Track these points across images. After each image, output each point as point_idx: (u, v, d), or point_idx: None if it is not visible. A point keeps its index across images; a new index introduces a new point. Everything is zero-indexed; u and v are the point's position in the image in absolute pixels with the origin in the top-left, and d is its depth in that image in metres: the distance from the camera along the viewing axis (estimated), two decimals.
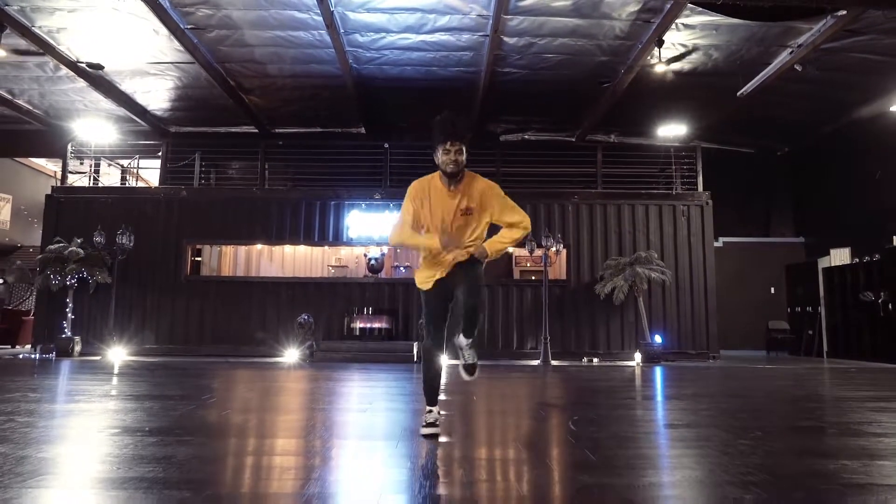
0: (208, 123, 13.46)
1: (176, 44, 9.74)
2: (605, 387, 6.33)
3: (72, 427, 3.60)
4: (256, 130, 13.44)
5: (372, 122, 13.09)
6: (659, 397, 5.73)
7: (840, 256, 11.75)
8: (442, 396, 4.98)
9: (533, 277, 12.97)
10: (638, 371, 8.66)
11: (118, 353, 9.91)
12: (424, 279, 3.41)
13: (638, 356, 9.76)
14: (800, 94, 10.91)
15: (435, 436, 3.30)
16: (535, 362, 9.83)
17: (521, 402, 5.16)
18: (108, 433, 3.33)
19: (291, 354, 9.66)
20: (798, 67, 8.87)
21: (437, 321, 3.41)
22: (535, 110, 12.52)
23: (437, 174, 3.42)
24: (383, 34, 9.48)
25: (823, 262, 12.17)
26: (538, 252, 9.90)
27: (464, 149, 3.30)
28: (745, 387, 6.61)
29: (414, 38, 9.60)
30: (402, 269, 12.55)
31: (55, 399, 4.93)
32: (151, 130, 13.23)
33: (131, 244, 10.07)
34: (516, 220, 3.40)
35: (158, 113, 12.92)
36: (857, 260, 11.21)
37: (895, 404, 5.01)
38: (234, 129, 13.66)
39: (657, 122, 12.11)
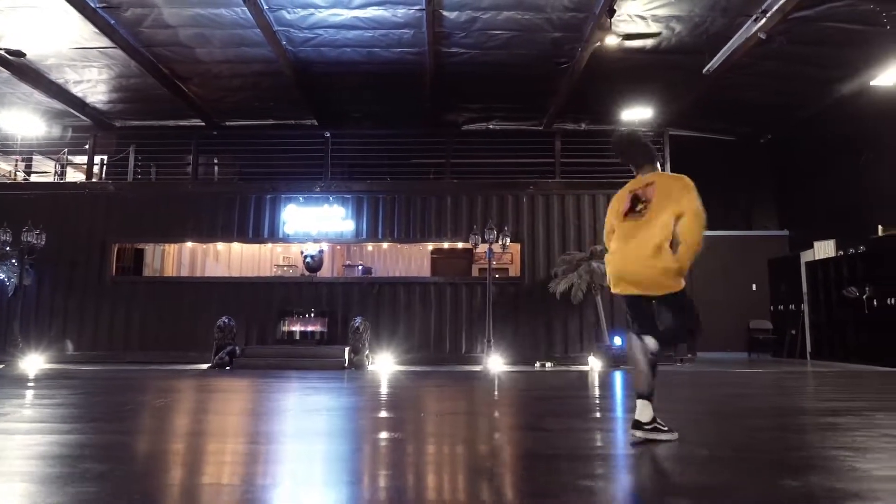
0: (155, 117, 12.74)
1: (92, 26, 9.03)
2: (532, 405, 5.46)
3: None
4: (204, 124, 12.73)
5: (324, 114, 12.32)
6: (610, 410, 4.87)
7: (824, 249, 10.81)
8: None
9: (497, 276, 12.13)
10: (590, 379, 7.78)
11: (33, 361, 9.14)
12: None
13: (592, 360, 8.84)
14: (774, 73, 10.02)
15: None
16: (480, 367, 8.96)
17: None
18: None
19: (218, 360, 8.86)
20: (762, 35, 7.98)
21: None
22: (494, 97, 11.70)
23: None
24: (311, 10, 8.72)
25: (807, 256, 11.24)
26: (482, 247, 9.02)
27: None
28: (706, 397, 5.74)
29: (346, 14, 8.82)
30: (359, 269, 11.73)
31: None
32: (93, 125, 12.53)
33: (41, 243, 9.31)
34: None
35: (99, 106, 12.21)
36: (842, 253, 10.28)
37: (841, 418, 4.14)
38: (182, 123, 12.96)
39: (624, 106, 11.25)
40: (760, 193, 13.18)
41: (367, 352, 8.76)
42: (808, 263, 11.07)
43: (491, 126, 12.88)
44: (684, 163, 11.23)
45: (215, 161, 12.82)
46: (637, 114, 11.03)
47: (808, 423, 4.08)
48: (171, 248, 11.94)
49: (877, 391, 6.13)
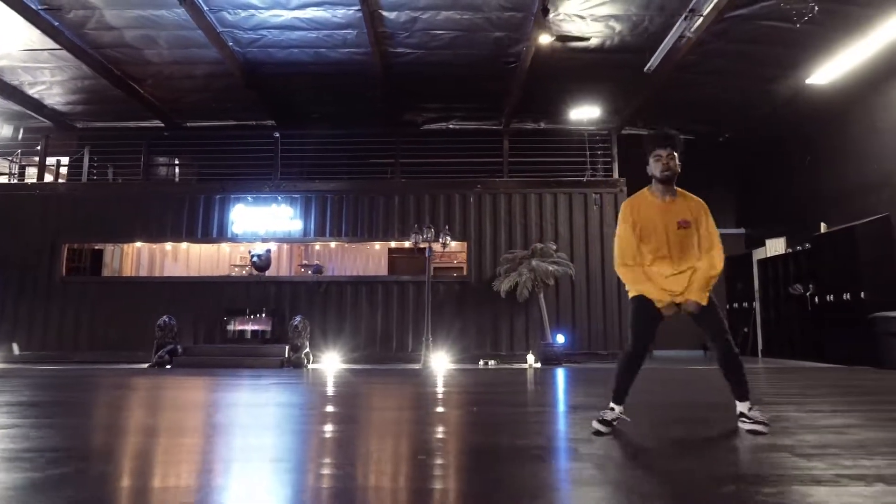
0: (115, 118, 12.80)
1: (36, 29, 9.09)
2: (443, 400, 5.47)
3: None
4: (164, 125, 12.79)
5: (282, 115, 12.38)
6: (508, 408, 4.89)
7: (775, 247, 10.85)
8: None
9: (455, 275, 12.18)
10: (528, 376, 7.79)
11: None
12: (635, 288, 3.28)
13: (531, 358, 8.87)
14: (722, 72, 10.06)
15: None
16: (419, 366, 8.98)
17: None
18: None
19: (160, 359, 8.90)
20: (690, 34, 8.02)
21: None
22: (450, 97, 11.76)
23: (645, 190, 3.38)
24: (251, 11, 8.79)
25: (759, 254, 11.27)
26: (422, 245, 9.06)
27: (675, 155, 3.25)
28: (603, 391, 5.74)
29: (286, 15, 8.89)
30: (313, 268, 11.76)
31: None
32: (54, 126, 12.59)
33: None
34: (717, 243, 3.29)
35: (57, 107, 12.28)
36: (790, 250, 10.32)
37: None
38: (143, 125, 13.01)
39: (576, 106, 11.31)
40: (719, 192, 13.18)
41: (306, 350, 8.79)
42: (759, 261, 11.12)
43: (451, 126, 12.94)
44: (641, 162, 11.29)
45: (176, 162, 12.87)
46: (589, 112, 11.08)
47: (671, 417, 4.11)
48: (130, 249, 11.99)
49: (786, 387, 6.15)
